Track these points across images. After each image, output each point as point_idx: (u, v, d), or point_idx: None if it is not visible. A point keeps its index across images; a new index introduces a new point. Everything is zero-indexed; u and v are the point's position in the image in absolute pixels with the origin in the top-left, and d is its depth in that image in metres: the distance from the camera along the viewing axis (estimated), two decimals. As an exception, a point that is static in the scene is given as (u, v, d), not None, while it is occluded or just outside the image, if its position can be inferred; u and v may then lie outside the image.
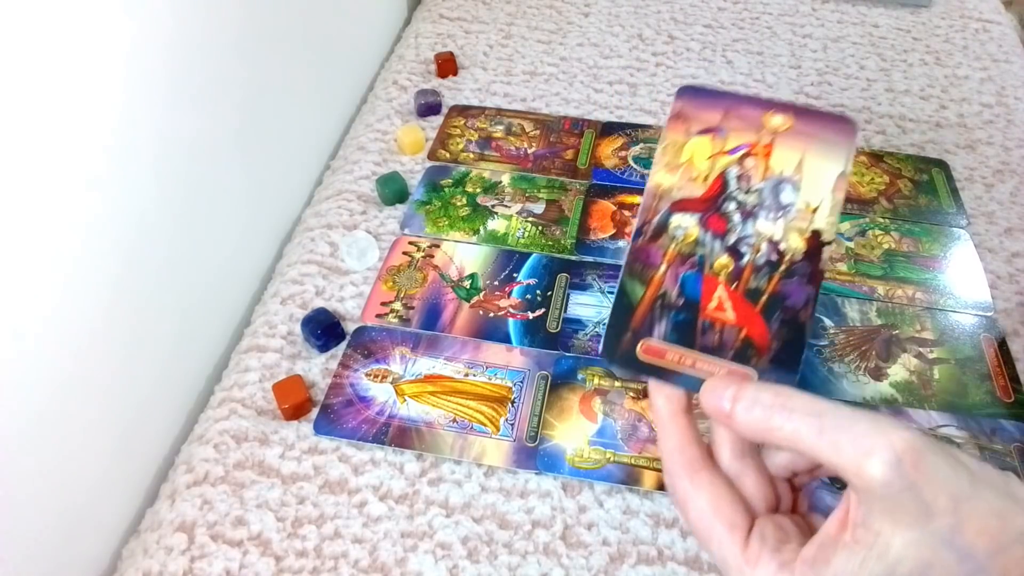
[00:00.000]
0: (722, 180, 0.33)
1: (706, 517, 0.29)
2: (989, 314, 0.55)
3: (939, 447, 0.25)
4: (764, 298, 0.32)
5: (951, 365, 0.52)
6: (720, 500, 0.29)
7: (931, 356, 0.53)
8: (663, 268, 0.33)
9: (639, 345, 0.32)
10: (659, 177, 0.33)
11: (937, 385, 0.51)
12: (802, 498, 0.32)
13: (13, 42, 0.34)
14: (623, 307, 0.32)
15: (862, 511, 0.25)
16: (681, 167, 0.33)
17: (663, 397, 0.31)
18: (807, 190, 0.32)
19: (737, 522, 0.29)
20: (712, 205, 0.33)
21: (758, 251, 0.32)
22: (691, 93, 0.34)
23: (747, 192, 0.33)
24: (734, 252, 0.32)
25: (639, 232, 0.33)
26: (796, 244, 0.32)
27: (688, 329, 0.32)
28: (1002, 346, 0.53)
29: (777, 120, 0.33)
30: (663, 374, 0.32)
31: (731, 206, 0.33)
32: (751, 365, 0.31)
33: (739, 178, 0.33)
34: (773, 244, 0.32)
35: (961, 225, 0.61)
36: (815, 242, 0.32)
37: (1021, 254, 0.60)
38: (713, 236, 0.33)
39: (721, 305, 0.32)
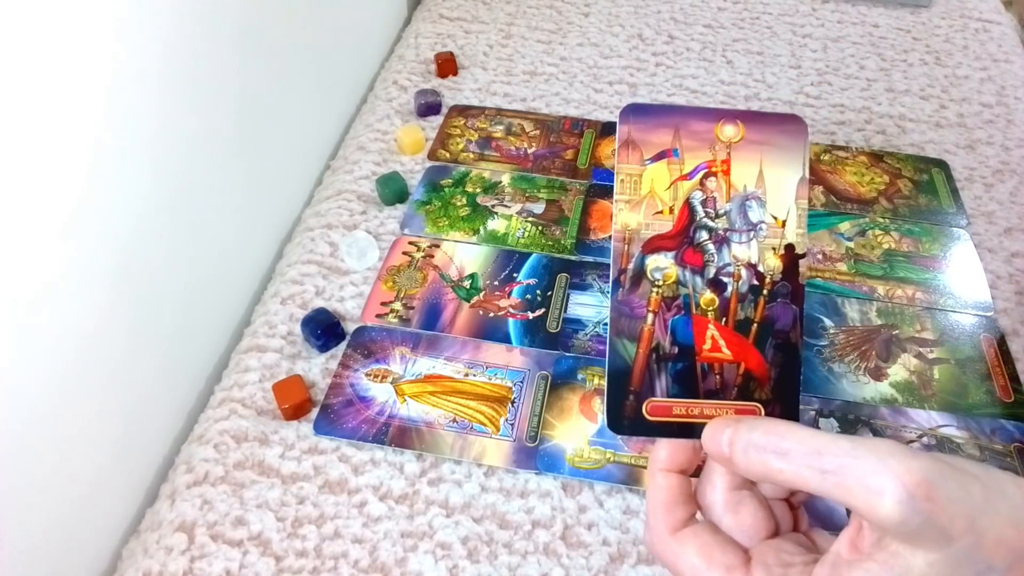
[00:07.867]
0: (688, 208, 0.32)
1: (700, 569, 0.29)
2: (989, 314, 0.55)
3: (946, 468, 0.24)
4: (754, 327, 0.32)
5: (951, 365, 0.52)
6: (709, 547, 0.29)
7: (931, 356, 0.53)
8: (650, 319, 0.32)
9: (644, 406, 0.31)
10: (623, 217, 0.32)
11: (937, 385, 0.51)
12: (801, 516, 0.31)
13: (14, 41, 0.34)
14: (619, 370, 0.31)
15: (875, 534, 0.25)
16: (643, 201, 0.32)
17: (666, 451, 0.31)
18: (771, 203, 0.32)
19: (732, 563, 0.28)
20: (684, 238, 0.32)
21: (739, 279, 0.32)
22: (635, 113, 0.32)
23: (716, 217, 0.32)
24: (716, 285, 0.32)
25: (617, 283, 0.32)
26: (773, 263, 0.32)
27: (689, 377, 0.31)
28: (1002, 346, 0.53)
29: (729, 131, 0.32)
30: (673, 429, 0.31)
31: (703, 235, 0.32)
32: (755, 399, 0.31)
33: (704, 203, 0.32)
34: (752, 268, 0.32)
35: (961, 225, 0.61)
36: (790, 257, 0.32)
37: (1021, 254, 0.60)
38: (692, 272, 0.32)
39: (716, 345, 0.31)
